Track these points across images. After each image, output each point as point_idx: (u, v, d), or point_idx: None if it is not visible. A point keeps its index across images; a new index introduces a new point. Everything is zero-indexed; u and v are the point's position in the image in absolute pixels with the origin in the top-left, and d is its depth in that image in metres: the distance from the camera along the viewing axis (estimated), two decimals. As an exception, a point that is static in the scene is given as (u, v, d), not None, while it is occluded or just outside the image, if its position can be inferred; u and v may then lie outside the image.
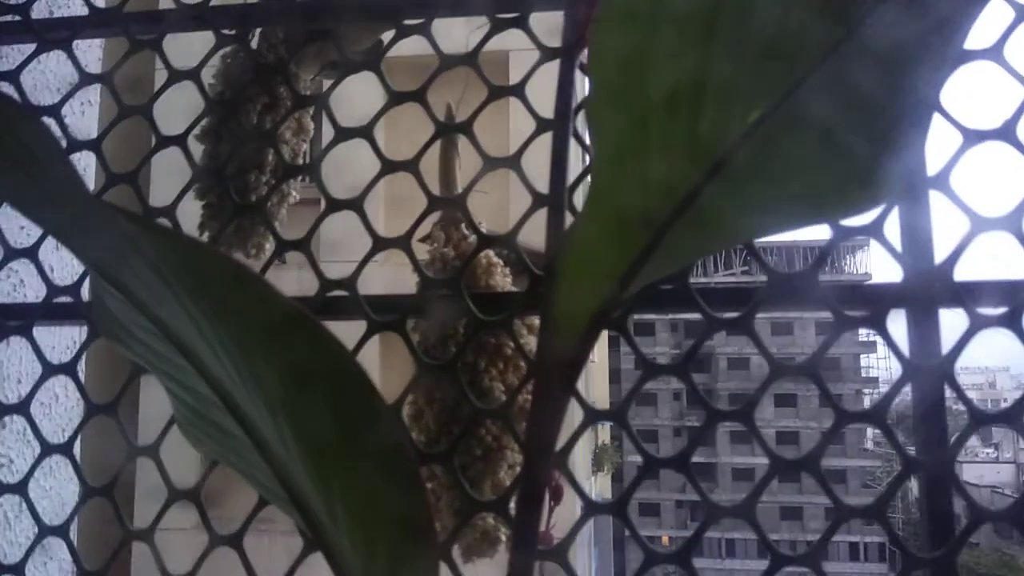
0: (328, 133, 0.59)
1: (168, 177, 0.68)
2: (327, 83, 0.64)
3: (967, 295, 0.48)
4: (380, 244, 0.54)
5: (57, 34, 0.63)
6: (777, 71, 0.41)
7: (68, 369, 0.58)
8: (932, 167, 0.49)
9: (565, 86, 0.51)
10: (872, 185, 0.44)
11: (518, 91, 0.55)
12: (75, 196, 0.34)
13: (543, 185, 0.48)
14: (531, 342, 0.60)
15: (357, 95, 0.65)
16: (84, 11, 0.65)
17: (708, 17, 0.41)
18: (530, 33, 0.56)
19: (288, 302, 0.35)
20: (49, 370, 0.58)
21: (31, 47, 0.65)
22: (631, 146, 0.43)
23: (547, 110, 0.53)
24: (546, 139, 0.56)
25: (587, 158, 0.57)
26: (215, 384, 0.43)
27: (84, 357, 0.61)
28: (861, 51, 0.41)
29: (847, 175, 0.43)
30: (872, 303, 0.51)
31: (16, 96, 0.64)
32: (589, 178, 0.45)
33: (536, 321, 0.61)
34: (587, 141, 0.54)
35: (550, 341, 0.44)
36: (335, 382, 0.37)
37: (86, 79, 0.62)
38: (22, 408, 0.58)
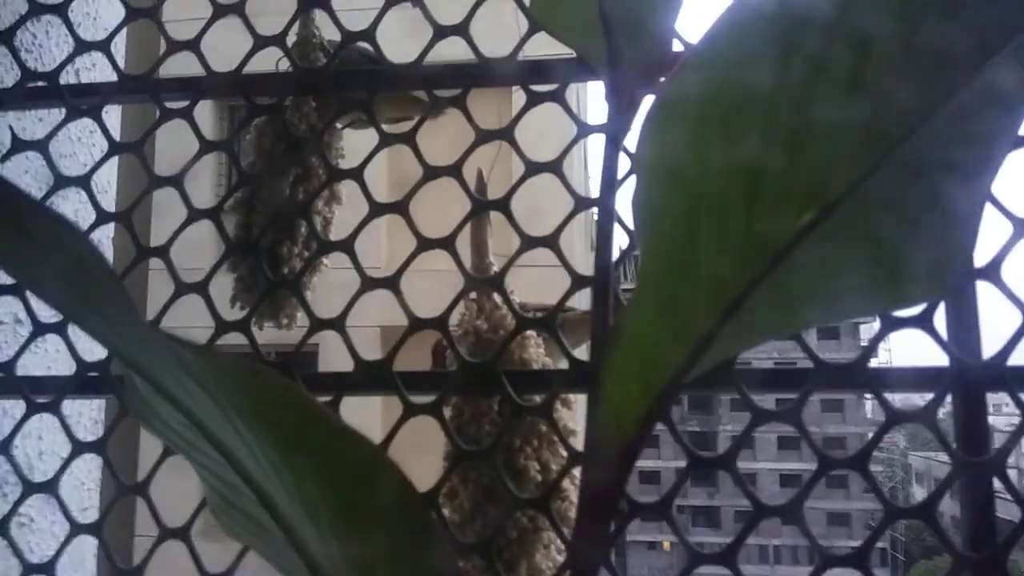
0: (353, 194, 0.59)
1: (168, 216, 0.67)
2: (351, 132, 0.65)
3: (1016, 382, 0.47)
4: (417, 324, 0.54)
5: (86, 101, 0.63)
6: (834, 173, 0.41)
7: (97, 447, 0.58)
8: (981, 257, 0.49)
9: (609, 168, 0.51)
10: (925, 281, 0.44)
11: (556, 167, 0.55)
12: (126, 318, 0.34)
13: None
14: (564, 416, 0.60)
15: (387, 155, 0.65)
16: (112, 76, 0.65)
17: (765, 119, 0.41)
18: (567, 108, 0.56)
19: (335, 420, 0.35)
20: (79, 448, 0.58)
21: (56, 112, 0.65)
22: (681, 245, 0.43)
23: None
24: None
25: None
26: (258, 491, 0.43)
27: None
28: (917, 152, 0.41)
29: (900, 271, 0.43)
30: (919, 387, 0.50)
31: (44, 164, 0.64)
32: (636, 274, 0.45)
33: (570, 396, 0.61)
34: (628, 224, 0.54)
35: (597, 443, 0.44)
36: (388, 502, 0.37)
37: (117, 148, 0.63)
38: (51, 487, 0.58)
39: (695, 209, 0.41)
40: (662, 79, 0.55)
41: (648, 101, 0.50)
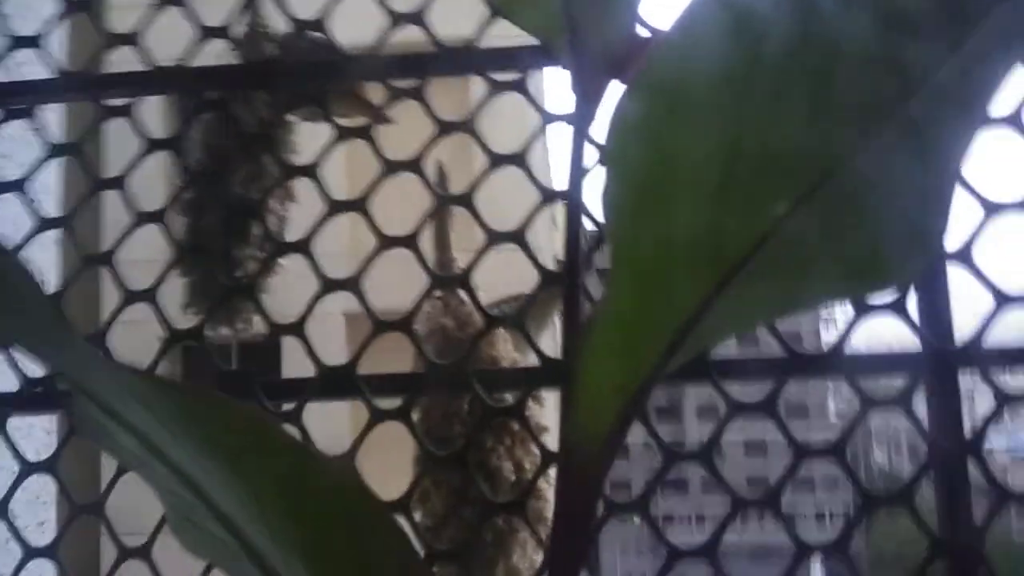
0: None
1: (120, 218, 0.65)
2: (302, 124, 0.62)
3: (989, 365, 0.47)
4: (381, 327, 0.52)
5: (22, 100, 0.60)
6: (806, 163, 0.40)
7: (49, 466, 0.55)
8: (952, 241, 0.49)
9: (576, 159, 0.49)
10: (897, 267, 0.43)
11: (518, 160, 0.53)
12: (66, 342, 0.32)
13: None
14: (535, 413, 0.58)
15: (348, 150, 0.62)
16: (46, 74, 0.62)
17: (735, 109, 0.39)
18: (530, 98, 0.54)
19: (294, 441, 0.34)
20: (28, 468, 0.55)
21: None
22: (653, 240, 0.41)
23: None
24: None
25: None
26: (216, 511, 0.41)
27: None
28: (887, 140, 0.40)
29: (871, 260, 0.42)
30: (892, 371, 0.50)
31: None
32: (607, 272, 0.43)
33: (541, 392, 0.60)
34: (595, 216, 0.53)
35: (572, 444, 0.43)
36: (353, 521, 0.36)
37: (58, 150, 0.59)
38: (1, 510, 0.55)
39: (666, 202, 0.40)
40: (628, 66, 0.54)
41: (614, 89, 0.48)
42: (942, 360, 0.48)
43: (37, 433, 0.85)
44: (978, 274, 0.47)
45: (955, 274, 0.50)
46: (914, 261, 0.42)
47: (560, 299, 0.52)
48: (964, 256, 0.47)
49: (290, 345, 0.57)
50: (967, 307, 0.51)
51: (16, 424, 0.61)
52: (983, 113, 0.40)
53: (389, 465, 0.57)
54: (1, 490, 0.76)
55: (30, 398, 0.58)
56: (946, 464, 0.47)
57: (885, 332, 0.51)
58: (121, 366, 0.30)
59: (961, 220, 0.50)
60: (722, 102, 0.39)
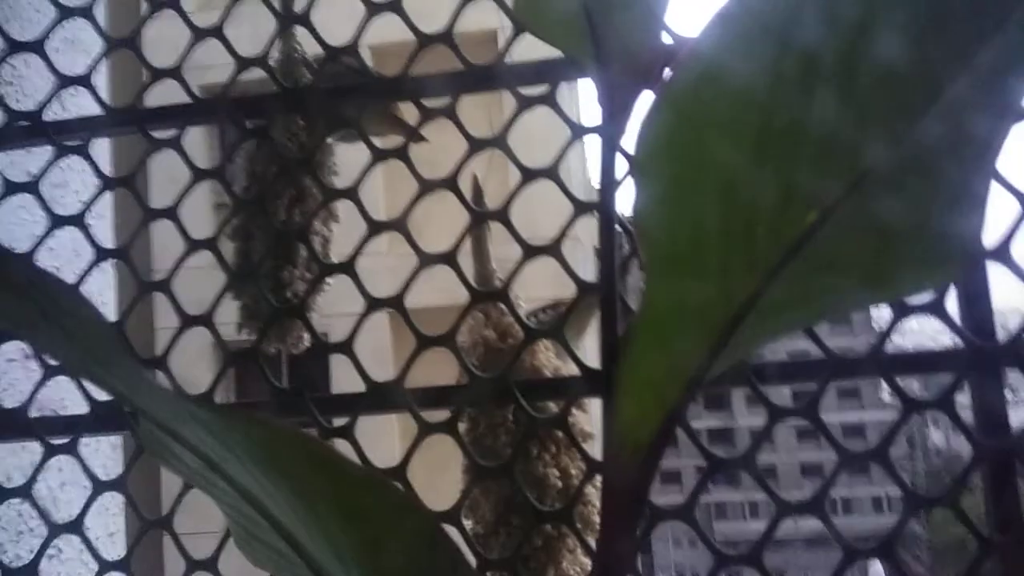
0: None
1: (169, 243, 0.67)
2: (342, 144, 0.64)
3: (1035, 361, 0.47)
4: (425, 342, 0.53)
5: (72, 137, 0.63)
6: (837, 171, 0.40)
7: (119, 485, 0.58)
8: (990, 237, 0.48)
9: (607, 171, 0.50)
10: (934, 268, 0.43)
11: (552, 173, 0.54)
12: (130, 371, 0.35)
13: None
14: (579, 420, 0.60)
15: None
16: (96, 109, 0.65)
17: (765, 116, 0.40)
18: (559, 110, 0.55)
19: (355, 467, 0.36)
20: (99, 487, 0.59)
21: (42, 152, 0.64)
22: (687, 250, 0.42)
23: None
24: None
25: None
26: (280, 529, 0.43)
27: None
28: (919, 140, 0.40)
29: (908, 260, 0.42)
30: (934, 370, 0.50)
31: (38, 204, 0.64)
32: (642, 283, 0.44)
33: (584, 400, 0.61)
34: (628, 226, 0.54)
35: (616, 453, 0.44)
36: (408, 537, 0.37)
37: (109, 183, 0.62)
38: (75, 527, 0.59)
39: (698, 211, 0.40)
40: (655, 76, 0.54)
41: (643, 99, 0.49)
42: (985, 358, 0.48)
43: (103, 447, 0.89)
44: (1017, 271, 0.46)
45: (994, 270, 0.49)
46: (952, 261, 0.42)
47: (596, 308, 0.53)
48: (1002, 253, 0.47)
49: (338, 357, 0.60)
50: (1010, 303, 0.50)
51: (85, 440, 0.65)
52: (1018, 106, 0.40)
53: (441, 471, 0.58)
54: (72, 505, 0.80)
55: (99, 419, 0.61)
56: (993, 464, 0.47)
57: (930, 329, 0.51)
58: (183, 395, 0.32)
59: (998, 216, 0.49)
60: (750, 110, 0.40)
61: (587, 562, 0.57)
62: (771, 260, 0.40)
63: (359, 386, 0.57)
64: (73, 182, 0.83)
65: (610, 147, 0.50)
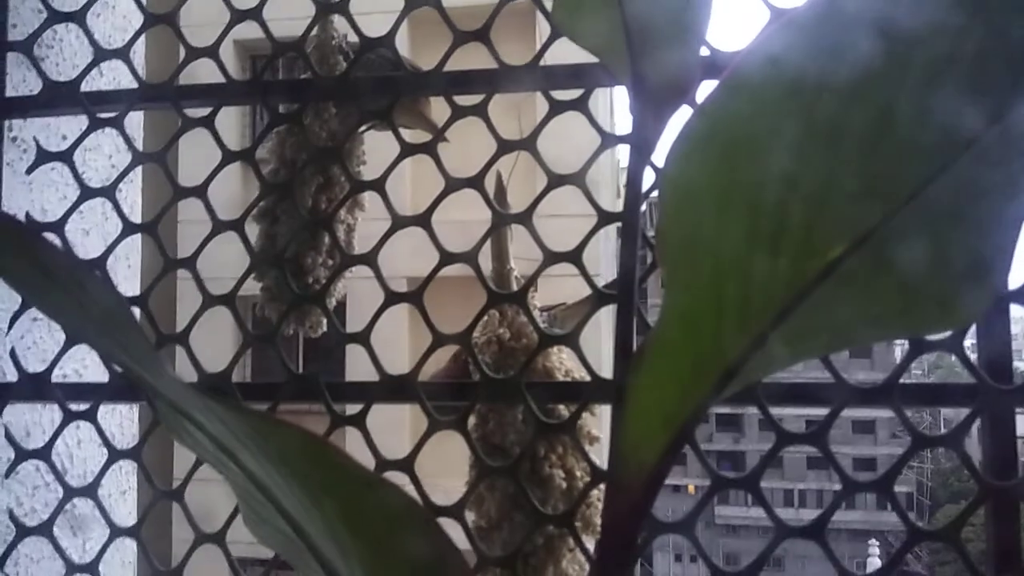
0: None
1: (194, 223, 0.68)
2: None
3: (1049, 404, 0.46)
4: (440, 339, 0.54)
5: (107, 109, 0.63)
6: (866, 209, 0.40)
7: (134, 454, 0.59)
8: (1014, 278, 0.48)
9: (635, 182, 0.50)
10: (956, 310, 0.43)
11: (579, 180, 0.54)
12: (147, 357, 0.35)
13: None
14: (588, 423, 0.60)
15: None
16: (132, 83, 0.65)
17: (795, 152, 0.40)
18: (590, 117, 0.55)
19: (359, 468, 0.36)
20: (115, 455, 0.60)
21: (79, 121, 0.65)
22: (707, 272, 0.42)
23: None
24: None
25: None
26: (289, 519, 0.44)
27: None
28: (952, 181, 0.40)
29: (929, 301, 0.42)
30: (947, 405, 0.50)
31: (69, 173, 0.65)
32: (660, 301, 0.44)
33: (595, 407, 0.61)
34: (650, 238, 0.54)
35: (621, 469, 0.44)
36: (404, 534, 0.38)
37: (140, 157, 0.63)
38: (90, 490, 0.60)
39: (722, 235, 0.40)
40: (691, 91, 0.54)
41: (676, 113, 0.49)
42: (999, 399, 0.47)
43: (120, 410, 0.91)
44: (1040, 315, 0.46)
45: (1017, 312, 0.49)
46: (975, 303, 0.41)
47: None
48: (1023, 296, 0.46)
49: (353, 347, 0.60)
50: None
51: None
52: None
53: (450, 462, 0.59)
54: (87, 463, 0.81)
55: (118, 388, 0.62)
56: (997, 503, 0.47)
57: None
58: (197, 382, 0.32)
59: (1025, 258, 0.49)
60: (784, 140, 0.39)
61: (587, 563, 0.58)
62: (792, 291, 0.40)
63: (374, 374, 0.57)
64: (106, 146, 0.84)
65: (640, 158, 0.50)
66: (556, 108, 0.57)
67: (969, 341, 0.51)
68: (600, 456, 0.59)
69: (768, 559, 0.51)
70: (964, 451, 0.46)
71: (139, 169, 0.84)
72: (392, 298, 0.56)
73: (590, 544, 0.57)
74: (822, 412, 0.51)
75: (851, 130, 0.38)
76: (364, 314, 0.57)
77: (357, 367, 0.59)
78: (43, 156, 0.64)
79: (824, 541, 0.48)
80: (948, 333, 0.48)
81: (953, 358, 0.49)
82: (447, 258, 0.56)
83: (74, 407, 0.62)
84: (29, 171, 0.65)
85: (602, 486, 0.57)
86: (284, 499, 0.41)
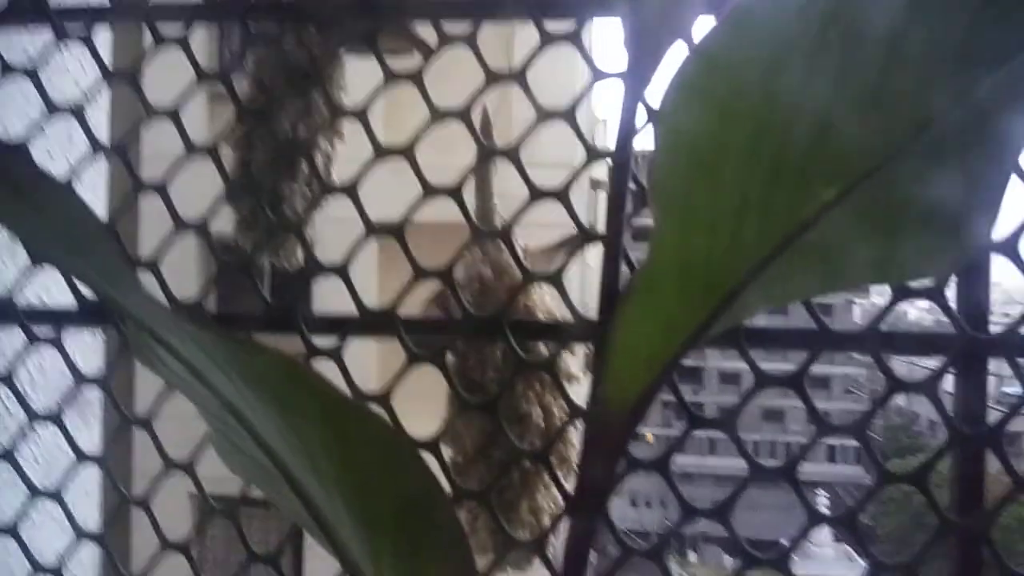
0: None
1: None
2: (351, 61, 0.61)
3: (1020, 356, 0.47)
4: (420, 273, 0.52)
5: (76, 24, 0.60)
6: (864, 150, 0.39)
7: (101, 382, 0.58)
8: (998, 230, 0.48)
9: (627, 120, 0.48)
10: (941, 256, 0.43)
11: (569, 115, 0.53)
12: (122, 277, 0.34)
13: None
14: (567, 362, 0.59)
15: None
16: (104, 1, 0.61)
17: (789, 103, 0.39)
18: (583, 51, 0.53)
19: (341, 396, 0.36)
20: (81, 380, 0.58)
21: (43, 37, 0.61)
22: (702, 211, 0.41)
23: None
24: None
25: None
26: (263, 444, 0.43)
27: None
28: (948, 126, 0.39)
29: (916, 246, 0.42)
30: (925, 353, 0.50)
31: (35, 91, 0.61)
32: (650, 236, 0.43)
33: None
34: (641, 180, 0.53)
35: (602, 406, 0.44)
36: (388, 465, 0.38)
37: (110, 77, 0.59)
38: (55, 417, 0.58)
39: (718, 176, 0.39)
40: (688, 26, 0.52)
41: (672, 49, 0.47)
42: (973, 347, 0.48)
43: (85, 338, 0.88)
44: (1021, 265, 0.46)
45: (998, 263, 0.49)
46: (959, 252, 0.41)
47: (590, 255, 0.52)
48: (1009, 247, 0.46)
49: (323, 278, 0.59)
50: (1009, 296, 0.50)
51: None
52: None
53: (423, 400, 0.58)
54: (50, 390, 0.79)
55: (85, 313, 0.60)
56: (965, 449, 0.48)
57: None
58: (172, 306, 0.31)
59: (1010, 208, 0.49)
60: (784, 80, 0.38)
61: (560, 497, 0.58)
62: (785, 231, 0.39)
63: (341, 308, 0.56)
64: (72, 67, 0.80)
65: (632, 95, 0.49)
66: (547, 40, 0.55)
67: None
68: (578, 396, 0.58)
69: (735, 501, 0.51)
70: (938, 397, 0.47)
71: (106, 94, 0.81)
72: (372, 230, 0.54)
73: (565, 483, 0.58)
74: (782, 366, 0.51)
75: (854, 70, 0.37)
76: (331, 256, 0.55)
77: (326, 302, 0.57)
78: (7, 70, 0.61)
79: (796, 481, 0.49)
80: (930, 281, 0.48)
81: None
82: (430, 191, 0.54)
83: (39, 332, 0.59)
84: (-10, 85, 0.61)
85: (579, 424, 0.57)
86: (261, 427, 0.41)
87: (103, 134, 0.76)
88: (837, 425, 0.48)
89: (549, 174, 0.53)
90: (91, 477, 0.82)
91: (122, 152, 0.59)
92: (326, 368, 0.56)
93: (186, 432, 0.57)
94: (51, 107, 0.61)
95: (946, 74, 0.37)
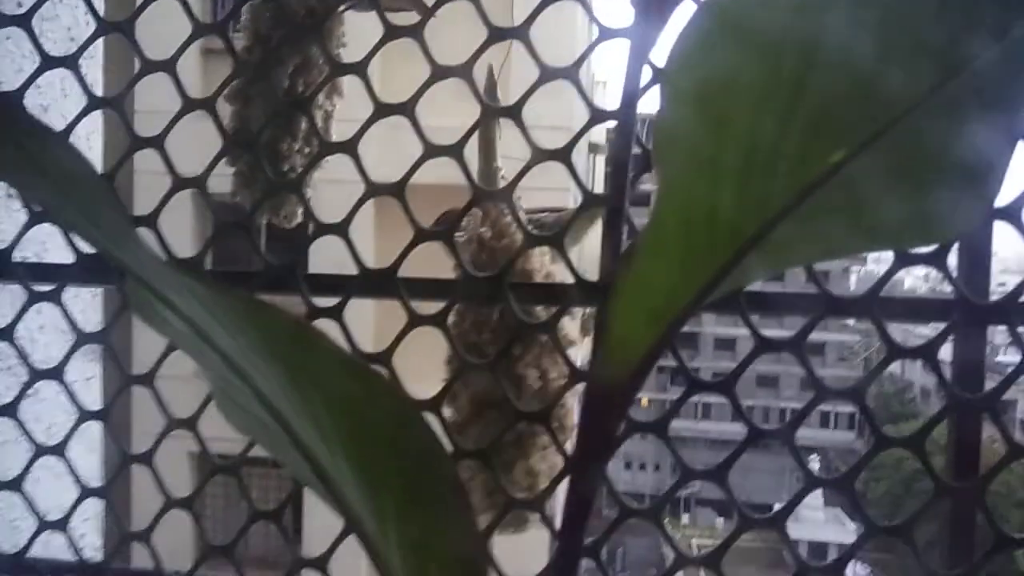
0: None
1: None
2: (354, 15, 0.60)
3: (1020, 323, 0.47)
4: (421, 236, 0.52)
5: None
6: (871, 112, 0.39)
7: (101, 338, 0.58)
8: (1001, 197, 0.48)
9: (632, 80, 0.48)
10: (943, 223, 0.43)
11: (571, 74, 0.52)
12: (123, 234, 0.34)
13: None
14: (565, 325, 0.59)
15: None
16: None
17: (804, 51, 0.38)
18: (588, 9, 0.52)
19: (347, 356, 0.35)
20: (82, 338, 0.58)
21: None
22: (707, 172, 0.41)
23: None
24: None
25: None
26: (265, 401, 0.43)
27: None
28: (954, 92, 0.39)
29: (921, 214, 0.42)
30: (924, 319, 0.50)
31: (28, 40, 0.60)
32: (653, 196, 0.43)
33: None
34: (645, 142, 0.52)
35: (604, 365, 0.44)
36: (393, 425, 0.38)
37: (104, 28, 0.58)
38: (56, 373, 0.58)
39: (723, 134, 0.39)
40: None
41: (679, 7, 0.47)
42: (973, 314, 0.48)
43: (84, 294, 0.88)
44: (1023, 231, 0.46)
45: (1000, 230, 0.49)
46: (963, 219, 0.41)
47: (596, 218, 0.52)
48: (1011, 213, 0.46)
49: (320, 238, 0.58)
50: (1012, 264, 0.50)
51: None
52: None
53: (416, 358, 0.58)
54: (51, 347, 0.80)
55: (85, 270, 0.60)
56: (962, 415, 0.48)
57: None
58: (173, 262, 0.31)
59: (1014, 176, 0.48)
60: (794, 37, 0.38)
61: (556, 460, 0.59)
62: (790, 195, 0.39)
63: (336, 268, 0.56)
64: (65, 16, 0.78)
65: (638, 54, 0.48)
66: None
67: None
68: (575, 360, 0.59)
69: (732, 463, 0.52)
70: (937, 362, 0.47)
71: (100, 45, 0.79)
72: (373, 190, 0.53)
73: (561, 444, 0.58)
74: (778, 332, 0.51)
75: (867, 29, 0.36)
76: (326, 216, 0.54)
77: (321, 263, 0.57)
78: (0, 20, 0.59)
79: (794, 445, 0.50)
80: (933, 247, 0.48)
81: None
82: (431, 151, 0.53)
83: (38, 288, 0.59)
84: (-18, 35, 0.60)
85: (577, 387, 0.57)
86: (262, 382, 0.41)
87: (98, 88, 0.75)
88: (837, 390, 0.49)
89: (546, 136, 0.52)
90: (93, 433, 0.83)
91: (119, 106, 0.58)
92: (326, 327, 0.56)
93: (185, 389, 0.57)
94: (46, 57, 0.60)
95: (984, 17, 0.36)
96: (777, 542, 0.48)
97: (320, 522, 0.55)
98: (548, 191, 0.66)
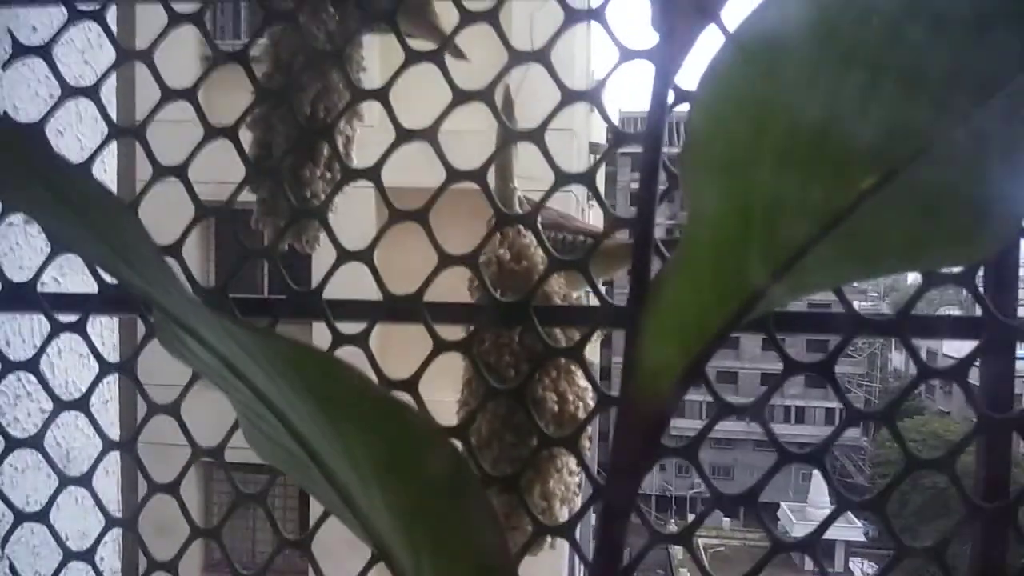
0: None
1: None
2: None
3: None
4: (446, 261, 0.52)
5: (89, 3, 0.58)
6: (900, 140, 0.39)
7: (127, 367, 0.58)
8: (1033, 215, 0.47)
9: (658, 103, 0.48)
10: (976, 244, 0.43)
11: (595, 96, 0.52)
12: (150, 265, 0.34)
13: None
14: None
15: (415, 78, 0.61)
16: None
17: (833, 76, 0.38)
18: (609, 30, 0.52)
19: (378, 389, 0.36)
20: (106, 368, 0.58)
21: (48, 12, 0.60)
22: (735, 199, 0.41)
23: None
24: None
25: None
26: (296, 434, 0.43)
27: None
28: (989, 113, 0.38)
29: (951, 235, 0.42)
30: (954, 338, 0.50)
31: (48, 71, 0.60)
32: (683, 226, 0.43)
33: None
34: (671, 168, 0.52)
35: (638, 391, 0.44)
36: (425, 457, 0.38)
37: (124, 56, 0.58)
38: (80, 405, 0.58)
39: (752, 164, 0.39)
40: (719, 8, 0.51)
41: (705, 29, 0.47)
42: (1002, 332, 0.48)
43: (104, 322, 0.88)
44: (1054, 251, 0.45)
45: (1030, 248, 0.48)
46: (995, 236, 0.41)
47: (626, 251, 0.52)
48: (1042, 233, 0.46)
49: (321, 259, 0.58)
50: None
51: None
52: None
53: (430, 377, 0.57)
54: (70, 372, 0.80)
55: (108, 300, 0.60)
56: (992, 435, 0.48)
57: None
58: (203, 295, 0.30)
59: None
60: (823, 69, 0.38)
61: (570, 482, 0.59)
62: (821, 220, 0.39)
63: (344, 292, 0.56)
64: (78, 40, 0.78)
65: (663, 78, 0.48)
66: (572, 18, 0.54)
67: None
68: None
69: (761, 491, 0.52)
70: (967, 383, 0.47)
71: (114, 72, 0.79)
72: (397, 216, 0.53)
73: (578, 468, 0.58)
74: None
75: (894, 61, 0.37)
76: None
77: (332, 289, 0.57)
78: (20, 50, 0.60)
79: (824, 466, 0.49)
80: (961, 267, 0.48)
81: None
82: (453, 176, 0.53)
83: (62, 318, 0.59)
84: (4, 66, 0.60)
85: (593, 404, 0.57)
86: (294, 416, 0.41)
87: (111, 109, 0.75)
88: (866, 412, 0.48)
89: (547, 137, 0.52)
90: (112, 456, 0.83)
91: (141, 135, 0.58)
92: (348, 354, 0.56)
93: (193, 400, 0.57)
94: (66, 87, 0.60)
95: (984, 61, 0.36)
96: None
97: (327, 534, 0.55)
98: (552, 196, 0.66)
